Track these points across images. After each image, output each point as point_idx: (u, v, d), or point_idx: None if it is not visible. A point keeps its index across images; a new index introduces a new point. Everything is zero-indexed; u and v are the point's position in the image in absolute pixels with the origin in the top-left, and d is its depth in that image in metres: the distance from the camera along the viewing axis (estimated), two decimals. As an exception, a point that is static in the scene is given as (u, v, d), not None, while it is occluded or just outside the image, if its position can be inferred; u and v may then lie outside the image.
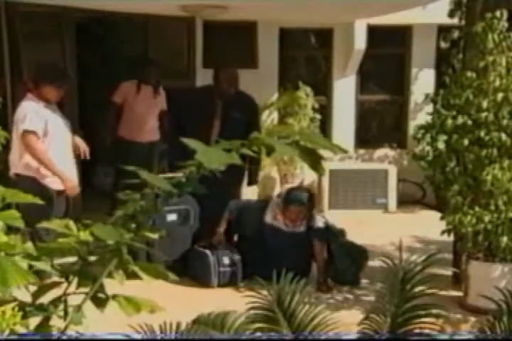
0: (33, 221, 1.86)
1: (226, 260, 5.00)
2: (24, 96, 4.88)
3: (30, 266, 1.61)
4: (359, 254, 5.13)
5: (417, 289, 2.02)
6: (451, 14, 6.48)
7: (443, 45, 7.95)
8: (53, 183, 4.79)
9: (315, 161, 1.43)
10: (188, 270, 5.05)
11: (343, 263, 5.05)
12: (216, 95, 5.42)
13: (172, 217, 5.20)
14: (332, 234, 5.17)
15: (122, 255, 1.50)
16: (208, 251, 5.02)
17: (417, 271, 2.04)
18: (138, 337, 1.90)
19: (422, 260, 2.08)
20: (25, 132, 4.66)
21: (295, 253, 5.01)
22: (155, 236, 1.53)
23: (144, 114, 6.63)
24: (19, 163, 4.77)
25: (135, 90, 6.61)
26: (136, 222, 1.50)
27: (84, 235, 1.49)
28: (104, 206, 5.94)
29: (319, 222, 5.19)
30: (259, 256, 5.00)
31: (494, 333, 1.87)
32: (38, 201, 1.69)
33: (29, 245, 1.58)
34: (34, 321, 1.63)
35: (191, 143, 1.38)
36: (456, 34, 7.08)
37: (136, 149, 6.59)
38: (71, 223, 1.56)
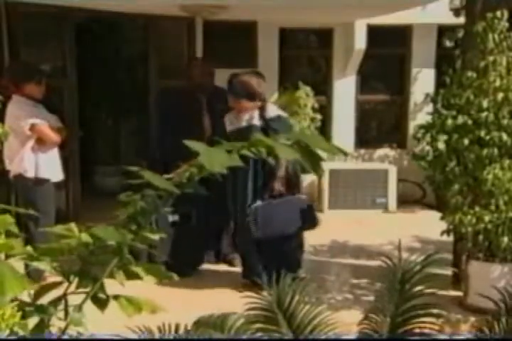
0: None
1: None
2: (9, 99, 4.85)
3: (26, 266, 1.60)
4: None
5: (416, 289, 2.02)
6: (456, 13, 6.45)
7: (448, 43, 7.95)
8: (51, 174, 4.85)
9: (315, 163, 1.43)
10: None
11: None
12: (198, 91, 5.46)
13: (174, 218, 5.20)
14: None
15: (123, 255, 1.50)
16: None
17: (416, 271, 2.04)
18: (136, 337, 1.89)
19: (421, 260, 2.08)
20: (35, 125, 4.71)
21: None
22: (155, 237, 1.52)
23: None
24: (17, 163, 4.78)
25: None
26: (137, 223, 1.50)
27: (86, 237, 1.48)
28: (104, 206, 5.92)
29: (271, 112, 4.87)
30: None
31: (493, 333, 1.87)
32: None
33: (28, 247, 1.57)
34: (34, 321, 1.62)
35: (192, 144, 1.37)
36: (461, 33, 7.06)
37: None
38: (73, 225, 1.55)
